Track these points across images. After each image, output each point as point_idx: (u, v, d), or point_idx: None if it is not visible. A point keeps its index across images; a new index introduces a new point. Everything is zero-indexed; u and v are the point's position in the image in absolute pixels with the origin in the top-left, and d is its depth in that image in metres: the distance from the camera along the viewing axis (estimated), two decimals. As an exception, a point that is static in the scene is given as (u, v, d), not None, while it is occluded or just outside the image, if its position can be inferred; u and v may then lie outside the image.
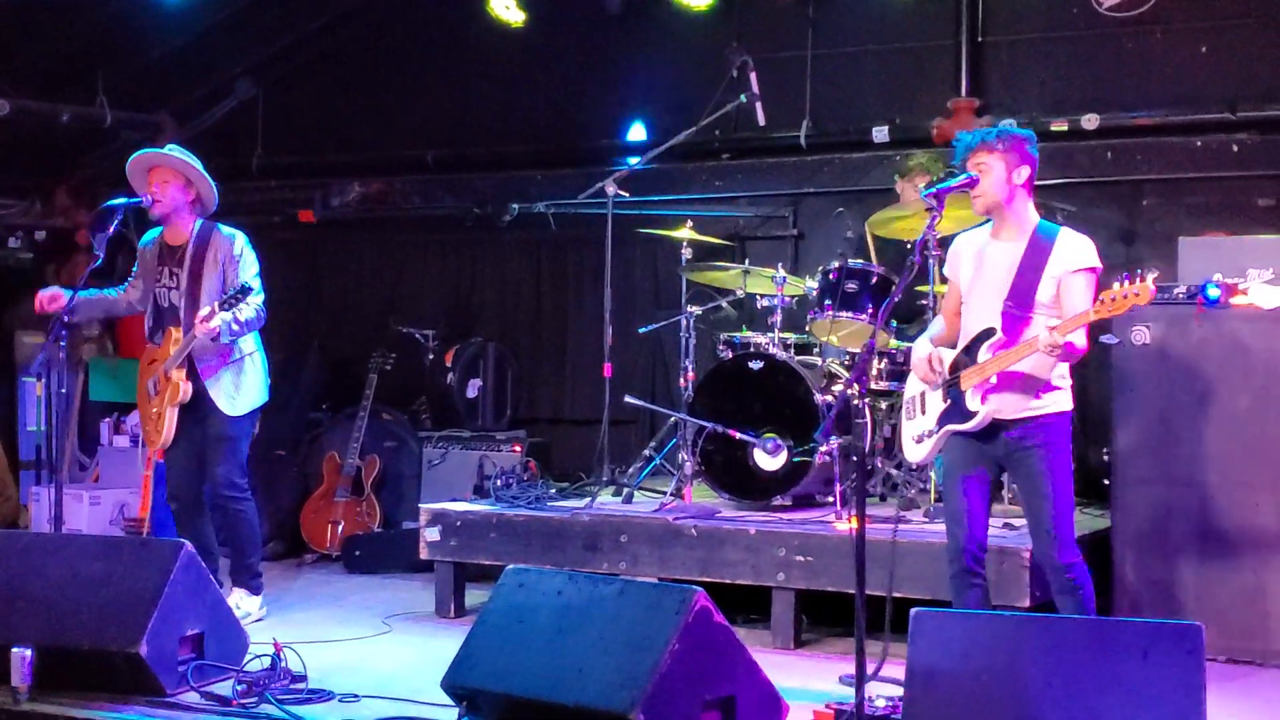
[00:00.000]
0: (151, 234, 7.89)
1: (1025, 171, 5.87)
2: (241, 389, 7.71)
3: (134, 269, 7.90)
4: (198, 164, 7.73)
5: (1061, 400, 5.86)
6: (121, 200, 7.70)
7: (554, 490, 8.72)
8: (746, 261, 8.80)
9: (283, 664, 6.04)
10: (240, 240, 7.74)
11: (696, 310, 8.58)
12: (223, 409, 7.64)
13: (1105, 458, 7.21)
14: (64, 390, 7.27)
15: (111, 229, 7.58)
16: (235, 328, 7.50)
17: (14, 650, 5.80)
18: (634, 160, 9.41)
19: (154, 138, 11.40)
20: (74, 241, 11.63)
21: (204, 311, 7.41)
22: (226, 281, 7.60)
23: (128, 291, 7.91)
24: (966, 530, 5.93)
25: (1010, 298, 5.84)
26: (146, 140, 11.30)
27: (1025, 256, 5.85)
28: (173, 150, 7.78)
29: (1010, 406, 5.83)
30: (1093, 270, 5.79)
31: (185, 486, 7.77)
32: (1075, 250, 5.82)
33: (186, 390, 7.58)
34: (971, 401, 5.85)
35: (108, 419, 11.34)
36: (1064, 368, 5.84)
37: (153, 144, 11.39)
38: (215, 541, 7.86)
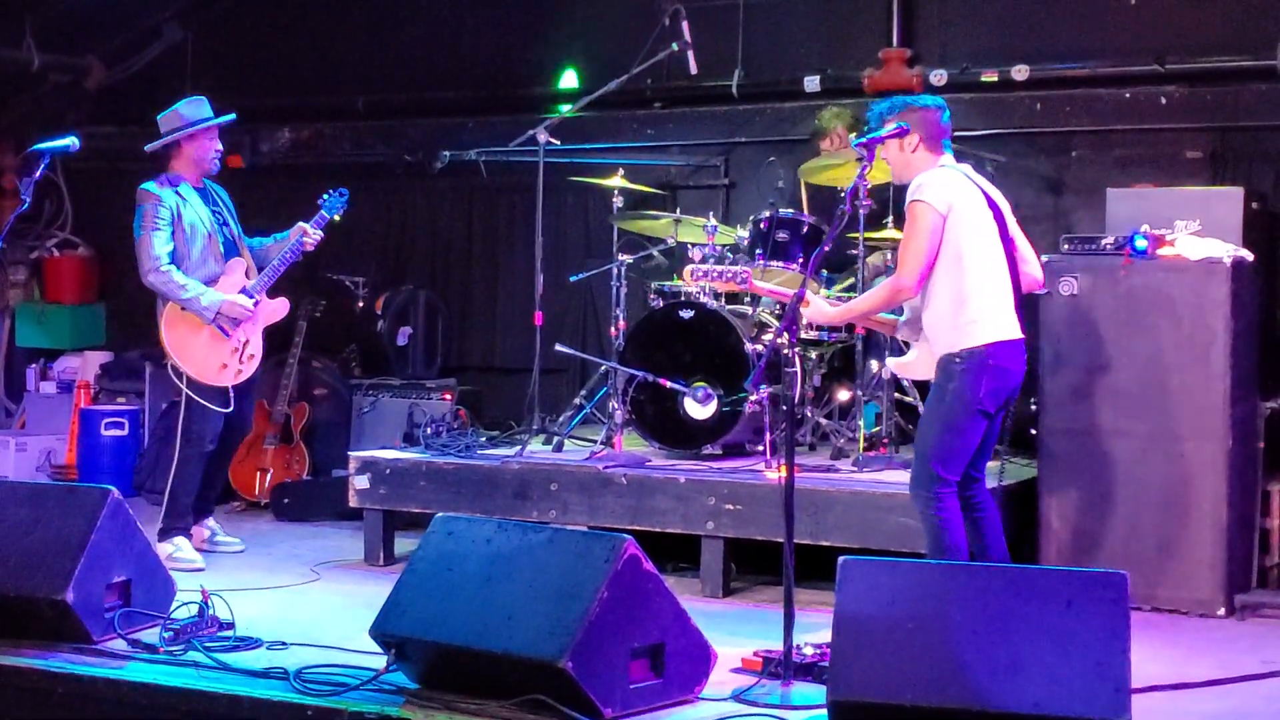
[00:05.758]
0: (165, 189, 8.09)
1: (913, 140, 6.11)
2: None
3: (160, 220, 7.91)
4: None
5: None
6: (49, 144, 7.61)
7: (484, 438, 8.71)
8: (678, 210, 8.78)
9: (210, 611, 6.03)
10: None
11: (628, 259, 8.57)
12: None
13: (1033, 407, 7.26)
14: (-11, 336, 7.22)
15: (38, 173, 7.49)
16: None
17: (-62, 598, 5.78)
18: (565, 108, 9.37)
19: (82, 81, 11.27)
20: (0, 186, 11.49)
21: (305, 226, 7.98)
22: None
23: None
24: None
25: None
26: (74, 83, 11.16)
27: None
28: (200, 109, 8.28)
29: None
30: (915, 204, 5.99)
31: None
32: None
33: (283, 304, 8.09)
34: None
35: (34, 365, 11.25)
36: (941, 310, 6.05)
37: (81, 88, 11.31)
38: None
